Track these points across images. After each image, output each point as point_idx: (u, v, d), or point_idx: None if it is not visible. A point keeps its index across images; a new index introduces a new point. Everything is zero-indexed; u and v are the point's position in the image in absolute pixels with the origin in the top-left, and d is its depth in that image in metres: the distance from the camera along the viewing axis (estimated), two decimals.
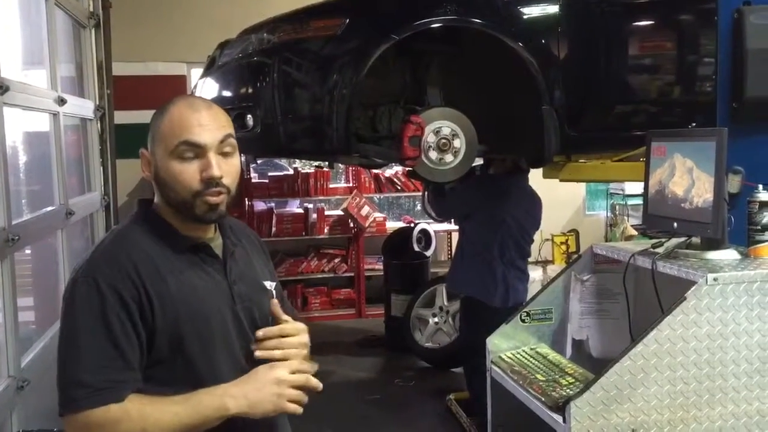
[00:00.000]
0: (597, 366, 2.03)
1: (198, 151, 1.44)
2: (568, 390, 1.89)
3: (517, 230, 3.99)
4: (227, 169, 1.47)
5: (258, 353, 1.48)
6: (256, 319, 1.54)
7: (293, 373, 1.46)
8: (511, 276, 4.00)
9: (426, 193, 5.04)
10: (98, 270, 1.40)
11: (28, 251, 3.37)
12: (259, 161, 6.60)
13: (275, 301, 1.56)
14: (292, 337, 1.51)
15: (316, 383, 1.49)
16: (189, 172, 1.44)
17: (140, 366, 1.40)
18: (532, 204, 4.10)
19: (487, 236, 3.96)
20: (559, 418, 1.78)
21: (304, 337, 1.54)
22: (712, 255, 1.96)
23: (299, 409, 1.46)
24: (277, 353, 1.48)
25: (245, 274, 1.56)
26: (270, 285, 1.62)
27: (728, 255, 1.96)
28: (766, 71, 2.35)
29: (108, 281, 1.38)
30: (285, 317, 1.54)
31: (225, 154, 1.48)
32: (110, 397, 1.34)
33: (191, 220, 1.48)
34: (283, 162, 7.22)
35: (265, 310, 1.58)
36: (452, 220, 5.20)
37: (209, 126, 1.45)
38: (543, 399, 1.89)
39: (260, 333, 1.49)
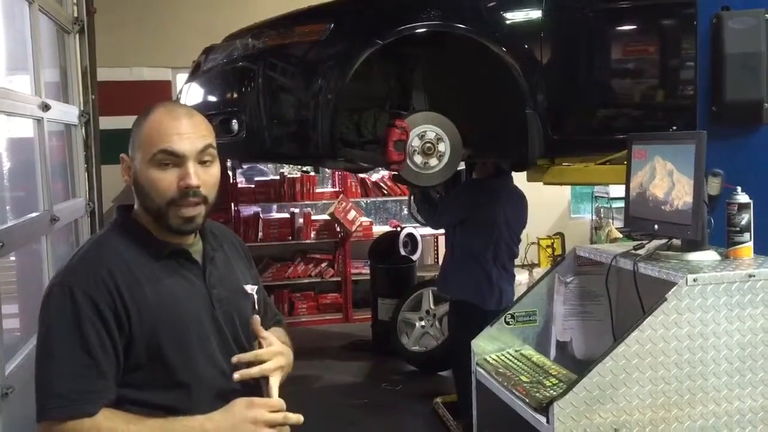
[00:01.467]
0: (581, 367, 2.04)
1: (176, 159, 1.44)
2: (551, 391, 1.91)
3: (508, 232, 4.02)
4: (206, 178, 1.46)
5: (236, 377, 1.46)
6: (236, 324, 1.54)
7: (273, 410, 1.43)
8: (502, 279, 4.03)
9: (412, 198, 5.08)
10: (74, 278, 1.40)
11: (12, 258, 3.34)
12: (244, 166, 6.63)
13: (257, 318, 1.55)
14: (267, 362, 1.49)
15: (297, 419, 1.46)
16: (166, 180, 1.43)
17: (116, 374, 1.40)
18: (520, 204, 4.14)
19: (481, 240, 3.98)
20: (542, 418, 1.80)
21: (280, 360, 1.52)
22: (692, 256, 1.98)
23: None
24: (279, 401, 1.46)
25: (225, 279, 1.56)
26: (251, 289, 1.61)
27: (708, 256, 1.99)
28: (744, 75, 2.38)
29: (83, 290, 1.38)
30: (264, 334, 1.53)
31: (204, 164, 1.47)
32: (81, 410, 1.34)
33: (166, 230, 1.48)
34: (268, 167, 7.22)
35: (246, 315, 1.57)
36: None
37: (189, 135, 1.45)
38: (527, 400, 1.91)
39: (234, 359, 1.48)
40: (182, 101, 3.63)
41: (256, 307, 1.62)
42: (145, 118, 1.47)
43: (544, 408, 1.79)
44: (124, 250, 1.45)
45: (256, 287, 1.63)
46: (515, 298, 3.54)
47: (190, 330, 1.46)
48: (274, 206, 7.09)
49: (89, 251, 1.46)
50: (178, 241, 1.51)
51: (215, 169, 1.50)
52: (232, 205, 6.50)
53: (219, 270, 1.56)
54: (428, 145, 3.35)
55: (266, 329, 1.65)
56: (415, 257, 6.36)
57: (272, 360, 1.50)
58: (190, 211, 1.45)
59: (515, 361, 2.20)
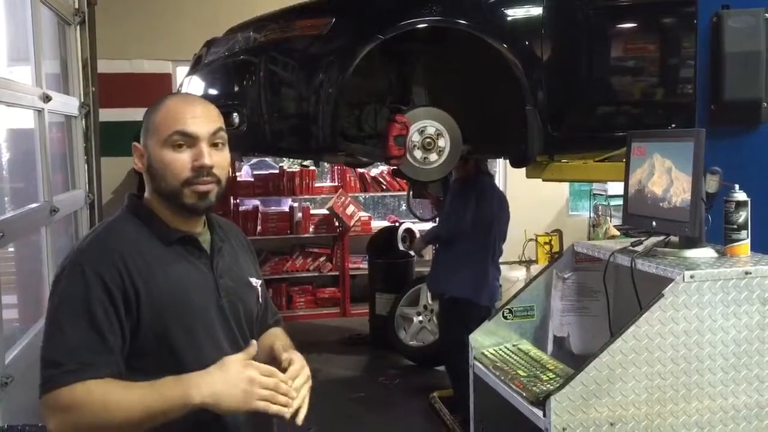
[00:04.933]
0: (577, 362, 2.06)
1: (190, 141, 1.48)
2: (548, 385, 1.93)
3: (499, 230, 4.09)
4: (218, 160, 1.50)
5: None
6: (240, 314, 1.57)
7: (264, 374, 1.40)
8: (495, 275, 4.11)
9: (410, 194, 5.10)
10: (86, 258, 1.42)
11: (11, 249, 3.35)
12: (245, 160, 6.64)
13: (278, 345, 1.55)
14: (297, 378, 1.48)
15: (286, 390, 1.43)
16: (181, 161, 1.47)
17: (122, 354, 1.41)
18: (504, 204, 4.25)
19: (480, 238, 4.05)
20: (539, 412, 1.81)
21: (306, 372, 1.52)
22: (690, 253, 1.99)
23: (283, 410, 1.41)
24: (281, 399, 1.42)
25: (231, 270, 1.58)
26: (256, 282, 1.64)
27: (705, 253, 2.00)
28: (743, 74, 2.39)
29: (94, 269, 1.40)
30: (284, 356, 1.51)
31: (216, 146, 1.51)
32: (77, 377, 1.34)
33: (181, 210, 1.50)
34: (269, 160, 7.23)
35: (250, 306, 1.60)
36: (434, 219, 5.23)
37: (202, 118, 1.49)
38: (524, 394, 1.92)
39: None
40: None
41: (260, 300, 1.65)
42: (159, 105, 1.51)
43: (541, 402, 1.80)
44: (135, 235, 1.48)
45: (260, 281, 1.66)
46: (512, 294, 3.59)
47: (197, 316, 1.48)
48: (273, 200, 7.09)
49: (101, 234, 1.49)
50: (188, 228, 1.53)
51: (226, 152, 1.54)
52: (232, 198, 6.51)
53: (226, 261, 1.58)
54: (428, 140, 3.36)
55: (266, 328, 1.70)
56: (413, 252, 6.36)
57: (301, 374, 1.50)
58: (204, 186, 1.48)
59: (513, 355, 2.21)
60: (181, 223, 1.53)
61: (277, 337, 1.69)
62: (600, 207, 8.09)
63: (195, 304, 1.48)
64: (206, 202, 1.51)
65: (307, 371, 1.53)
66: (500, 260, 4.26)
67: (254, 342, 1.49)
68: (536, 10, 3.39)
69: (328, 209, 6.68)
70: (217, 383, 1.37)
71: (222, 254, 1.58)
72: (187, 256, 1.51)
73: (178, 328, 1.45)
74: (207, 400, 1.36)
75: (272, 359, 1.54)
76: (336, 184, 6.89)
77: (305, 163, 6.69)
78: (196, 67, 3.69)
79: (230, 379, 1.37)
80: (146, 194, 1.55)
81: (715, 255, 2.00)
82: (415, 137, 3.35)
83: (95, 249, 1.44)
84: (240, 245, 1.69)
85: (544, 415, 1.78)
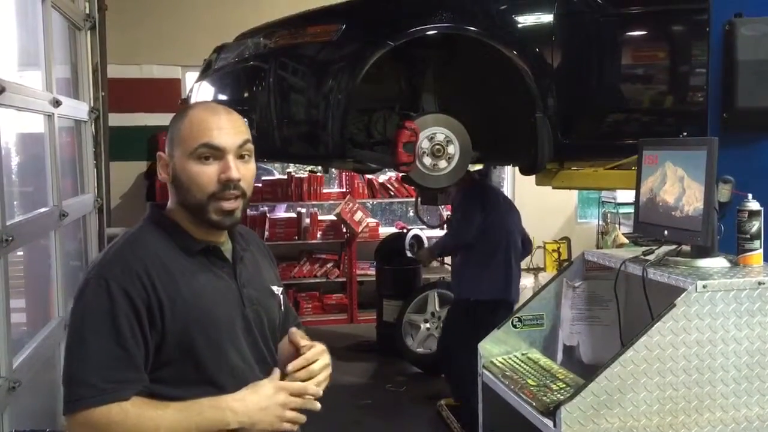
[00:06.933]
0: (588, 372, 2.04)
1: (217, 153, 1.46)
2: (558, 395, 1.91)
3: (516, 230, 4.17)
4: (245, 173, 1.48)
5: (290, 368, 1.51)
6: (264, 323, 1.56)
7: (294, 394, 1.48)
8: (519, 272, 4.24)
9: (419, 200, 5.10)
10: (109, 272, 1.41)
11: (20, 253, 3.36)
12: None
13: (294, 329, 1.58)
14: (316, 362, 1.53)
15: (313, 406, 1.52)
16: (207, 174, 1.45)
17: (146, 367, 1.40)
18: (514, 206, 4.36)
19: (496, 238, 4.11)
20: (549, 422, 1.80)
21: (327, 358, 1.57)
22: (702, 263, 1.98)
23: (294, 428, 1.50)
24: (308, 385, 1.52)
25: (254, 279, 1.57)
26: (277, 290, 1.64)
27: (718, 263, 1.98)
28: (756, 82, 2.38)
29: (118, 283, 1.39)
30: (303, 343, 1.55)
31: (242, 158, 1.49)
32: (113, 398, 1.35)
33: (205, 224, 1.49)
34: (272, 166, 7.23)
35: (273, 314, 1.60)
36: (444, 226, 5.24)
37: (229, 130, 1.47)
38: (534, 404, 1.90)
39: (289, 367, 1.51)
40: (193, 99, 3.65)
41: (281, 307, 1.65)
42: (184, 115, 1.49)
43: (551, 412, 1.79)
44: (159, 246, 1.46)
45: (281, 288, 1.65)
46: (521, 302, 3.61)
47: (222, 327, 1.47)
48: (281, 205, 7.09)
49: (124, 246, 1.47)
50: (210, 238, 1.52)
51: (252, 165, 1.52)
52: None
53: (248, 270, 1.57)
54: (437, 147, 3.36)
55: (286, 332, 1.68)
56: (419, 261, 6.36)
57: (320, 360, 1.55)
58: (229, 204, 1.47)
59: (522, 364, 2.20)
60: (204, 234, 1.51)
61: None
62: (609, 214, 8.06)
63: (220, 315, 1.47)
64: (231, 219, 1.49)
65: (327, 358, 1.58)
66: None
67: (276, 370, 1.52)
68: (547, 18, 3.38)
69: (335, 215, 6.68)
70: (252, 409, 1.43)
71: (244, 263, 1.57)
72: (211, 267, 1.50)
73: (203, 339, 1.44)
74: (242, 424, 1.42)
75: (292, 350, 1.56)
76: (344, 190, 6.89)
77: (313, 168, 6.70)
78: (206, 72, 3.70)
79: (264, 405, 1.44)
80: (169, 204, 1.53)
81: (728, 265, 1.99)
82: (425, 144, 3.34)
83: (119, 262, 1.42)
84: (260, 253, 1.68)
85: (555, 426, 1.77)
